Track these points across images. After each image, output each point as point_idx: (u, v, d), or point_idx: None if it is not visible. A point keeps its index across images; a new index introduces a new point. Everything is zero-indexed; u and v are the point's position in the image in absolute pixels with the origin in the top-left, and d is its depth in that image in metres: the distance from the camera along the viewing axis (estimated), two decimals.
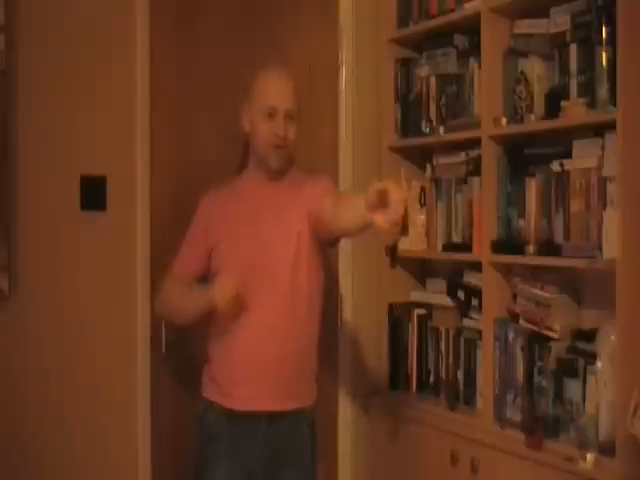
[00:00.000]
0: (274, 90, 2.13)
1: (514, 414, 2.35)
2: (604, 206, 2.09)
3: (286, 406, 2.12)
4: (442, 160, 2.69)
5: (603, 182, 2.10)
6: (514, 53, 2.41)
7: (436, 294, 2.77)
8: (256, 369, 2.08)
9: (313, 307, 2.18)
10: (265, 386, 2.09)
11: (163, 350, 2.54)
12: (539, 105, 2.33)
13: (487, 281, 2.43)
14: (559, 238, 2.24)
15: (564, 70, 2.23)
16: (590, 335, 2.19)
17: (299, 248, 2.12)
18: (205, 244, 2.17)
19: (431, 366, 2.74)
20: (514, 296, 2.44)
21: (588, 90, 2.14)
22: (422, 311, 2.80)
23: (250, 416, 2.09)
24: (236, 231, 2.14)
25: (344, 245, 2.83)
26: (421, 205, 2.78)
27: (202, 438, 2.15)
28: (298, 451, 2.16)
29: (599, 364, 2.10)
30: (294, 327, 2.13)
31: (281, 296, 2.11)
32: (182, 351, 2.55)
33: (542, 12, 2.31)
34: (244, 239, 2.12)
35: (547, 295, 2.32)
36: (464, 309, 2.62)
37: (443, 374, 2.68)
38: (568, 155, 2.22)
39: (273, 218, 2.14)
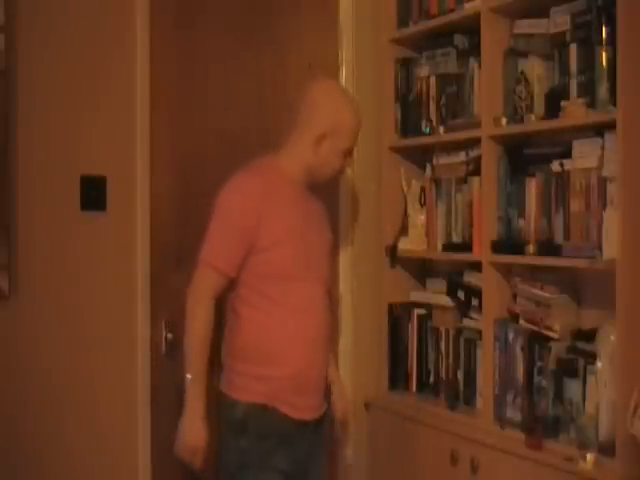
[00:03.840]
0: (356, 133, 2.21)
1: (514, 414, 2.35)
2: (604, 206, 2.09)
3: (323, 410, 2.23)
4: (442, 160, 2.69)
5: (603, 182, 2.10)
6: (514, 53, 2.41)
7: (436, 294, 2.77)
8: (313, 384, 2.15)
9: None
10: (317, 397, 2.18)
11: (163, 350, 2.54)
12: (539, 105, 2.33)
13: (487, 281, 2.43)
14: (559, 238, 2.24)
15: (564, 70, 2.23)
16: (590, 335, 2.19)
17: (329, 262, 2.27)
18: (252, 243, 2.06)
19: (431, 366, 2.74)
20: (514, 296, 2.44)
21: (588, 90, 2.14)
22: (422, 311, 2.80)
23: (303, 422, 2.14)
24: (292, 235, 2.12)
25: (344, 245, 2.83)
26: (421, 205, 2.78)
27: (250, 437, 2.09)
28: (321, 445, 2.26)
29: (599, 364, 2.10)
30: (329, 338, 2.24)
31: (325, 304, 2.20)
32: (182, 351, 2.54)
33: (542, 12, 2.31)
34: (299, 245, 2.13)
35: (547, 295, 2.32)
36: (464, 309, 2.62)
37: (443, 374, 2.68)
38: (568, 155, 2.22)
39: (317, 227, 2.24)
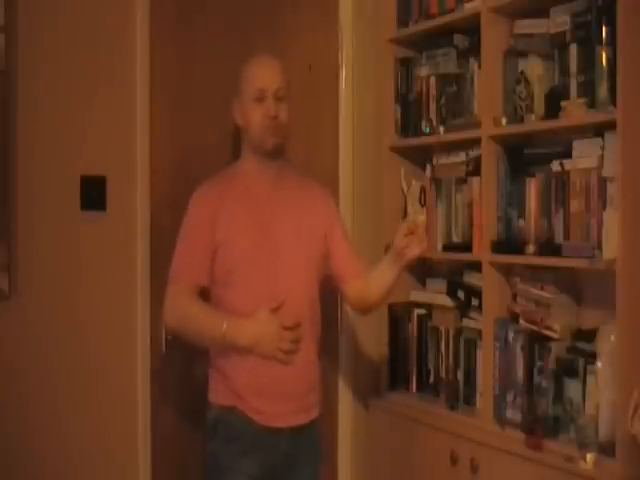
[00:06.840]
0: (260, 73, 2.13)
1: (514, 414, 2.35)
2: (604, 206, 2.09)
3: (306, 419, 2.13)
4: (442, 160, 2.69)
5: (603, 182, 2.10)
6: (514, 53, 2.41)
7: (436, 294, 2.77)
8: (284, 388, 2.06)
9: (318, 313, 2.18)
10: (291, 403, 2.08)
11: (163, 350, 2.54)
12: (539, 105, 2.33)
13: (487, 281, 2.44)
14: (559, 238, 2.24)
15: (564, 70, 2.23)
16: (590, 335, 2.19)
17: (311, 254, 2.14)
18: (212, 247, 2.06)
19: (431, 366, 2.74)
20: (514, 296, 2.44)
21: (588, 90, 2.14)
22: (422, 311, 2.80)
23: (274, 429, 2.07)
24: (246, 231, 2.07)
25: None
26: (421, 205, 2.78)
27: (219, 440, 2.07)
28: (311, 453, 2.17)
29: (599, 364, 2.10)
30: (311, 338, 2.13)
31: (298, 303, 2.08)
32: (182, 351, 2.55)
33: (542, 12, 2.31)
34: (256, 240, 2.06)
35: (547, 295, 2.32)
36: (464, 309, 2.62)
37: (443, 374, 2.68)
38: (568, 155, 2.22)
39: (284, 219, 2.12)
